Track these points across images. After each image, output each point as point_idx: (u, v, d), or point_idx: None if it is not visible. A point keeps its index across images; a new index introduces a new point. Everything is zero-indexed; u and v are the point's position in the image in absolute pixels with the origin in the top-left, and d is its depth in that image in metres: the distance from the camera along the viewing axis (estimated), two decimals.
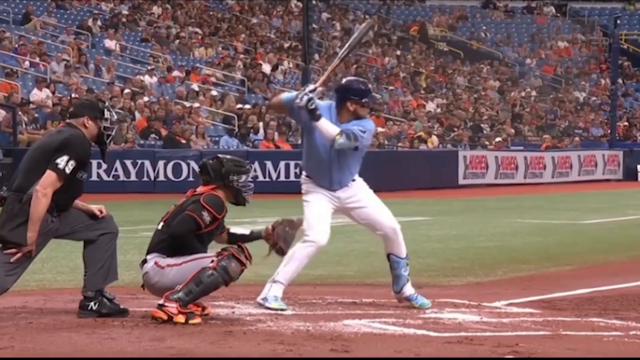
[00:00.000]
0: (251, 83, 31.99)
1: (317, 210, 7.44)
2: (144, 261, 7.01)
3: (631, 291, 8.75)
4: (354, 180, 7.59)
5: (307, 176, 7.57)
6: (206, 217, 6.88)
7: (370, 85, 8.23)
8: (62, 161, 6.67)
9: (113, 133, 7.13)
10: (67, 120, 7.04)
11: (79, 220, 6.90)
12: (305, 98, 7.26)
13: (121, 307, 6.98)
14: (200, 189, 7.10)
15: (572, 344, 6.24)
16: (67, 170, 6.68)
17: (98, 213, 6.94)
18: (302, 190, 7.57)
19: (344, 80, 7.86)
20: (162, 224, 7.04)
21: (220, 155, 7.25)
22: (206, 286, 6.75)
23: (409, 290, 7.66)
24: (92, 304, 6.89)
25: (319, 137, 7.42)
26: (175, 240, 6.87)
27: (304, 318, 7.03)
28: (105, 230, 6.94)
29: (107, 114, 6.98)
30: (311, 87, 7.38)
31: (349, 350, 5.97)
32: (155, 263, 6.91)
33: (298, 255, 7.42)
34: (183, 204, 7.03)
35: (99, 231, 6.92)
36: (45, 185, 6.65)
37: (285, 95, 7.60)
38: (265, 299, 7.35)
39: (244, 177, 7.08)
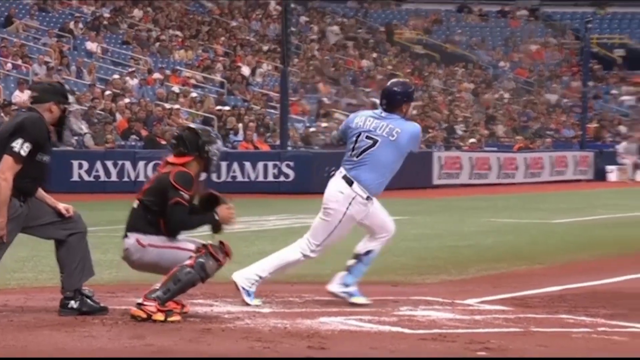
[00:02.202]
0: (230, 85, 32.01)
1: (341, 237, 7.55)
2: (125, 235, 7.07)
3: (600, 289, 8.89)
4: None
5: (368, 197, 7.50)
6: (185, 195, 6.96)
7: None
8: (17, 144, 6.70)
9: (70, 116, 7.10)
10: (30, 105, 7.02)
11: (47, 215, 6.94)
12: None
13: (101, 305, 7.05)
14: (172, 159, 7.08)
15: (543, 341, 6.33)
16: (23, 153, 6.70)
17: (64, 212, 6.97)
18: (352, 209, 7.45)
19: (392, 85, 7.71)
20: (137, 202, 7.07)
21: (192, 126, 7.32)
22: (184, 284, 6.84)
23: (354, 285, 7.74)
24: (72, 302, 6.95)
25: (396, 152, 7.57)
26: (150, 215, 6.93)
27: (282, 315, 7.10)
28: (74, 230, 6.97)
29: (69, 97, 7.04)
30: None
31: (325, 347, 6.04)
32: (137, 240, 6.99)
33: (289, 261, 7.57)
34: (158, 179, 7.04)
35: (67, 231, 6.95)
36: (4, 170, 6.68)
37: None
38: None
39: (216, 146, 7.15)
